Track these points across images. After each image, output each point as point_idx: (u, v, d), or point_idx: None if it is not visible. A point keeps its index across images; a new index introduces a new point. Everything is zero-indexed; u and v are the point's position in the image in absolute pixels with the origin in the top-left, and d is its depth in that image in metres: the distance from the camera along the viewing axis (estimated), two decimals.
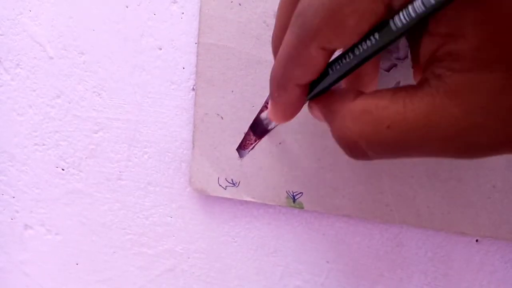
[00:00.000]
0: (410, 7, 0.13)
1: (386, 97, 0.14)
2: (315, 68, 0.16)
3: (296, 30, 0.15)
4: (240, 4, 0.26)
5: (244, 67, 0.27)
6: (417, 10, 0.13)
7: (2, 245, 0.35)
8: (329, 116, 0.17)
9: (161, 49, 0.29)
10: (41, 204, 0.33)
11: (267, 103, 0.27)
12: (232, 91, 0.27)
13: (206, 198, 0.30)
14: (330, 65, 0.16)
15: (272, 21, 0.26)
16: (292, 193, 0.28)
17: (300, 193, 0.27)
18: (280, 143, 0.27)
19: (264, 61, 0.27)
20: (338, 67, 0.16)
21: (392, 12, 0.13)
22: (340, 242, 0.29)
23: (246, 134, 0.27)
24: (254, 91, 0.27)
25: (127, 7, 0.29)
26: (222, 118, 0.28)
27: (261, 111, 0.25)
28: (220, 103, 0.28)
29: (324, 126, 0.26)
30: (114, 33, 0.29)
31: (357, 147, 0.16)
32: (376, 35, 0.14)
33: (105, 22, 0.30)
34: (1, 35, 0.31)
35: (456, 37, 0.13)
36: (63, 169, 0.32)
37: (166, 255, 0.32)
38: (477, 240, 0.27)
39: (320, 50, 0.15)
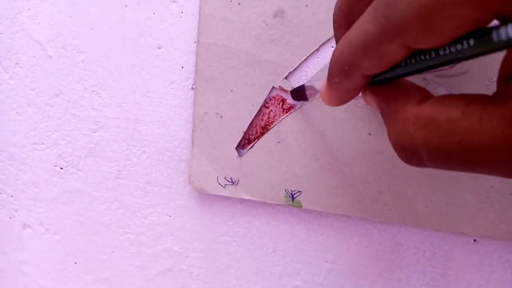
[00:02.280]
0: None
1: (458, 107, 0.13)
2: (390, 63, 0.14)
3: (381, 20, 0.13)
4: (239, 4, 0.26)
5: (244, 67, 0.27)
6: None
7: (0, 244, 0.35)
8: (387, 114, 0.16)
9: (160, 48, 0.29)
10: (39, 203, 0.33)
11: (267, 103, 0.27)
12: (232, 90, 0.27)
13: (205, 197, 0.30)
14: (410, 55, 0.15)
15: (271, 21, 0.26)
16: (290, 192, 0.28)
17: (299, 191, 0.27)
18: (279, 142, 0.27)
19: (264, 60, 0.27)
20: (414, 61, 0.14)
21: (499, 19, 0.12)
22: (339, 241, 0.29)
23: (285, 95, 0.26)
24: (253, 90, 0.27)
25: (126, 6, 0.29)
26: (221, 117, 0.28)
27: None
28: (220, 102, 0.28)
29: (323, 125, 0.26)
30: (113, 32, 0.29)
31: (416, 156, 0.14)
32: (471, 42, 0.12)
33: (104, 21, 0.30)
34: (0, 34, 0.31)
35: None
36: (61, 168, 0.32)
37: (165, 255, 0.32)
38: (475, 240, 0.27)
39: (403, 47, 0.13)
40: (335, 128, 0.26)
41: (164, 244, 0.32)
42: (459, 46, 0.13)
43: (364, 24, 0.14)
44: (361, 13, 0.16)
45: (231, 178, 0.28)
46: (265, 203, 0.29)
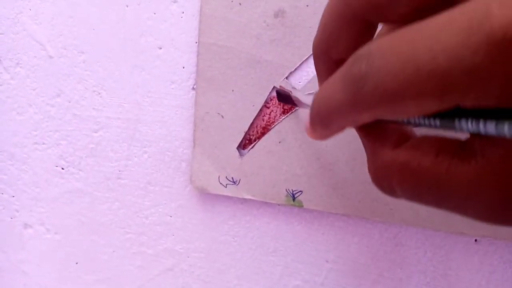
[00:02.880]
0: (481, 124, 0.12)
1: (429, 155, 0.13)
2: (364, 124, 0.15)
3: (349, 92, 0.14)
4: (240, 4, 0.26)
5: (244, 67, 0.27)
6: (488, 130, 0.11)
7: (1, 244, 0.35)
8: (367, 150, 0.17)
9: (161, 48, 0.29)
10: (40, 203, 0.33)
11: (268, 103, 0.27)
12: (233, 90, 0.27)
13: (206, 197, 0.30)
14: None
15: (272, 21, 0.26)
16: (291, 191, 0.28)
17: (300, 191, 0.27)
18: (280, 142, 0.27)
19: (264, 60, 0.27)
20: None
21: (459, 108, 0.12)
22: (340, 241, 0.29)
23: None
24: (254, 90, 0.27)
25: (127, 6, 0.29)
26: (222, 117, 0.28)
27: (261, 110, 0.25)
28: (221, 102, 0.28)
29: None
30: (114, 32, 0.30)
31: (391, 191, 0.15)
32: (437, 122, 0.13)
33: (105, 22, 0.30)
34: (1, 34, 0.31)
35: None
36: (62, 168, 0.32)
37: (166, 255, 0.32)
38: (476, 240, 0.27)
39: (372, 117, 0.14)
40: None
41: (165, 244, 0.32)
42: (426, 121, 0.13)
43: (335, 90, 0.14)
44: (338, 52, 0.17)
45: (232, 178, 0.28)
46: (266, 202, 0.29)
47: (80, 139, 0.32)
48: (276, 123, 0.27)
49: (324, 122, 0.16)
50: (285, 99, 0.26)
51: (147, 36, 0.29)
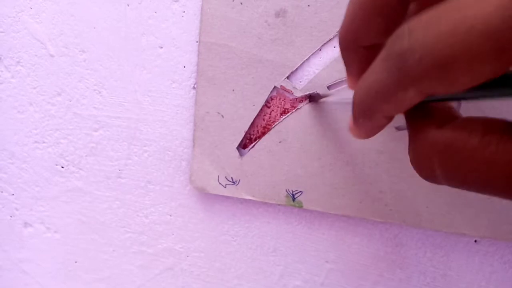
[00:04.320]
0: None
1: (476, 135, 0.13)
2: (409, 106, 0.14)
3: (393, 70, 0.13)
4: (241, 3, 0.26)
5: (245, 66, 0.27)
6: None
7: (1, 243, 0.35)
8: (410, 131, 0.16)
9: (162, 47, 0.29)
10: (40, 202, 0.33)
11: (268, 102, 0.27)
12: (233, 90, 0.27)
13: (205, 197, 0.30)
14: None
15: (273, 20, 0.26)
16: (291, 192, 0.28)
17: (300, 191, 0.27)
18: (280, 142, 0.27)
19: (265, 60, 0.27)
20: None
21: None
22: (340, 242, 0.29)
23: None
24: (255, 90, 0.27)
25: (128, 5, 0.29)
26: (222, 116, 0.28)
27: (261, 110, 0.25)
28: (221, 102, 0.28)
29: (325, 125, 0.26)
30: (115, 31, 0.29)
31: (432, 175, 0.14)
32: (487, 92, 0.12)
33: (106, 20, 0.30)
34: (2, 32, 0.31)
35: None
36: (63, 167, 0.32)
37: (166, 254, 0.32)
38: (476, 241, 0.27)
39: (419, 93, 0.13)
40: (336, 128, 0.26)
41: (165, 243, 0.32)
42: (479, 92, 0.13)
43: (378, 72, 0.14)
44: (370, 38, 0.16)
45: (232, 177, 0.28)
46: (266, 203, 0.29)
47: (80, 138, 0.32)
48: (277, 123, 0.27)
49: (368, 111, 0.16)
50: (315, 99, 0.26)
51: (148, 35, 0.29)
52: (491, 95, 0.13)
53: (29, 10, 0.31)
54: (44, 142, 0.32)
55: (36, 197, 0.33)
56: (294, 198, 0.28)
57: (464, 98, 0.14)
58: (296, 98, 0.27)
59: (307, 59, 0.26)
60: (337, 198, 0.27)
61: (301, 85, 0.27)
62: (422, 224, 0.26)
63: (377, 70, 0.14)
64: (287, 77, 0.27)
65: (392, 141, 0.26)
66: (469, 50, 0.11)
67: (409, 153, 0.16)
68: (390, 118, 0.16)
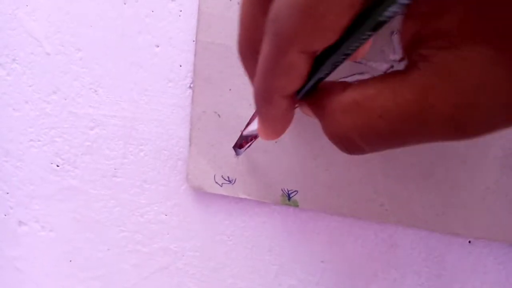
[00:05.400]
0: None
1: (374, 86, 0.14)
2: (298, 75, 0.15)
3: (272, 37, 0.14)
4: (238, 3, 0.26)
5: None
6: None
7: None
8: (318, 112, 0.16)
9: (158, 46, 0.29)
10: (35, 200, 0.33)
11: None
12: (230, 89, 0.27)
13: (201, 196, 0.30)
14: (315, 61, 0.15)
15: None
16: (287, 191, 0.28)
17: (295, 191, 0.27)
18: (276, 141, 0.27)
19: None
20: (321, 65, 0.15)
21: None
22: (335, 241, 0.29)
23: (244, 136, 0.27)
24: (251, 89, 0.27)
25: (125, 3, 0.29)
26: (219, 116, 0.28)
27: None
28: (218, 101, 0.28)
29: (320, 125, 0.27)
30: (111, 29, 0.29)
31: (350, 141, 0.15)
32: (361, 28, 0.13)
33: (102, 19, 0.29)
34: None
35: (439, 14, 0.12)
36: (58, 166, 0.32)
37: (161, 253, 0.32)
38: (470, 241, 0.27)
39: (301, 55, 0.14)
40: None
41: (160, 242, 0.32)
42: (353, 36, 0.13)
43: (263, 48, 0.15)
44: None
45: (228, 177, 0.28)
46: (261, 202, 0.29)
47: (76, 136, 0.31)
48: None
49: (265, 94, 0.16)
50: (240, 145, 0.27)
51: (145, 34, 0.29)
52: (364, 36, 0.13)
53: (25, 7, 0.30)
54: (39, 141, 0.32)
55: (31, 196, 0.33)
56: (290, 198, 0.28)
57: (344, 58, 0.14)
58: None
59: None
60: (332, 198, 0.27)
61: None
62: (416, 225, 0.26)
63: (263, 47, 0.15)
64: None
65: None
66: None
67: (325, 133, 0.16)
68: (288, 99, 0.16)
